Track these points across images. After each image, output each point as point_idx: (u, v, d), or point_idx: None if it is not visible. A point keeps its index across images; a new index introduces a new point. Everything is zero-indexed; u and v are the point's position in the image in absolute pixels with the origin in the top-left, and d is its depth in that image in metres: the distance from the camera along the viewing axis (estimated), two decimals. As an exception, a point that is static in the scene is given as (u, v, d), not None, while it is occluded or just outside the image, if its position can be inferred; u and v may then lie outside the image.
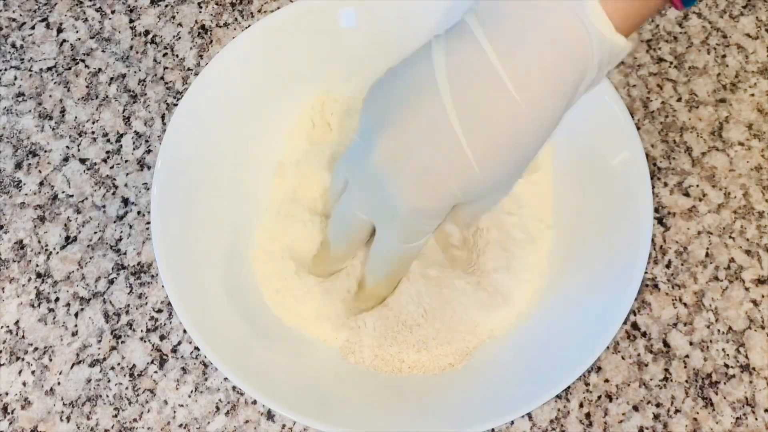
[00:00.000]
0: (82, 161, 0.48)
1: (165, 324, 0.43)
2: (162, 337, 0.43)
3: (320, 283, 0.42)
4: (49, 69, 0.51)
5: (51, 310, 0.44)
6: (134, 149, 0.48)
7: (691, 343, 0.42)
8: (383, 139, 0.33)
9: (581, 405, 0.41)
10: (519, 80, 0.31)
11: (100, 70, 0.51)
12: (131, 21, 0.52)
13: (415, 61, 0.33)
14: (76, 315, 0.44)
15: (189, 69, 0.50)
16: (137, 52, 0.51)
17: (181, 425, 0.41)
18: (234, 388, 0.42)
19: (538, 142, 0.33)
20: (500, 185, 0.35)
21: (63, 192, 0.47)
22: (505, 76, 0.31)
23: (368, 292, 0.41)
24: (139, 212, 0.46)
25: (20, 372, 0.43)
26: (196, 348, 0.43)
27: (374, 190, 0.35)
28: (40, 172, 0.48)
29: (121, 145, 0.48)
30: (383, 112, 0.34)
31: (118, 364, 0.43)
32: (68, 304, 0.44)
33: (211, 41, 0.51)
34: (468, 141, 0.32)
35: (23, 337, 0.43)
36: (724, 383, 0.41)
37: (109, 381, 0.42)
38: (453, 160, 0.32)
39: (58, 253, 0.45)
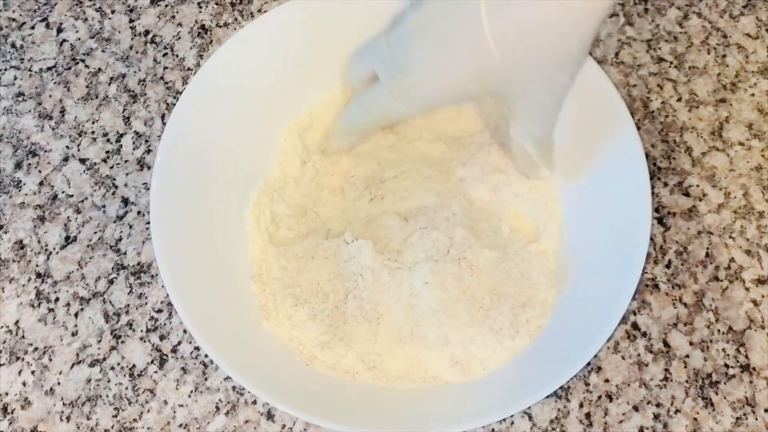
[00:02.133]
0: (82, 161, 0.48)
1: (165, 324, 0.43)
2: (162, 337, 0.43)
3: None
4: (49, 69, 0.51)
5: (51, 310, 0.44)
6: (134, 149, 0.48)
7: (691, 343, 0.42)
8: (414, 11, 0.36)
9: (581, 405, 0.41)
10: None
11: (100, 70, 0.51)
12: (131, 21, 0.52)
13: None
14: (76, 315, 0.44)
15: (189, 69, 0.50)
16: (137, 52, 0.51)
17: (181, 425, 0.41)
18: (234, 388, 0.42)
19: (572, 45, 0.34)
20: (537, 81, 0.36)
21: (63, 192, 0.47)
22: None
23: (335, 136, 0.44)
24: (139, 212, 0.46)
25: (20, 372, 0.43)
26: (196, 348, 0.43)
27: (398, 44, 0.37)
28: (40, 172, 0.48)
29: (121, 145, 0.48)
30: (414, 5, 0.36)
31: (118, 364, 0.43)
32: (68, 304, 0.44)
33: (211, 41, 0.51)
34: (491, 26, 0.33)
35: (23, 337, 0.43)
36: (724, 383, 0.41)
37: (109, 381, 0.42)
38: (473, 41, 0.34)
39: (58, 253, 0.45)
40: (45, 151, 0.48)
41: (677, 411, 0.41)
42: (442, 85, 0.36)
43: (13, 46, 0.52)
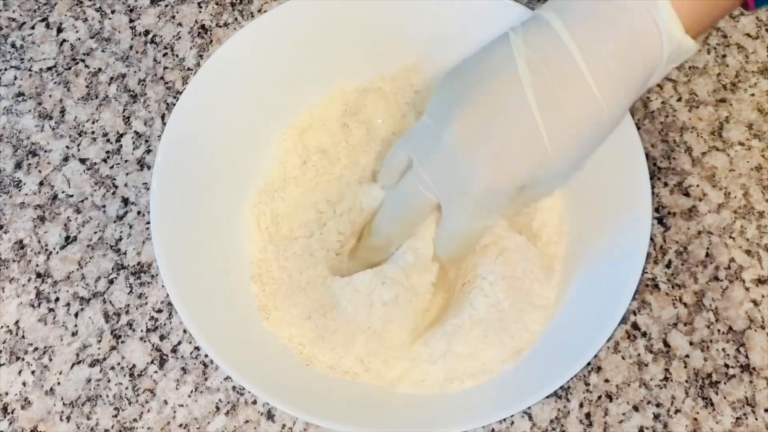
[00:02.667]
0: (82, 161, 0.48)
1: (165, 324, 0.43)
2: (162, 337, 0.43)
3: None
4: (49, 69, 0.51)
5: (51, 310, 0.44)
6: (134, 149, 0.48)
7: (691, 343, 0.42)
8: (462, 116, 0.34)
9: (581, 405, 0.41)
10: (598, 74, 0.32)
11: (100, 70, 0.51)
12: (131, 21, 0.52)
13: (493, 49, 0.35)
14: (76, 315, 0.44)
15: (189, 69, 0.50)
16: (137, 52, 0.51)
17: (181, 425, 0.41)
18: (234, 387, 0.42)
19: (606, 134, 0.34)
20: (566, 172, 0.36)
21: (63, 192, 0.47)
22: (585, 68, 0.32)
23: (442, 265, 0.41)
24: (139, 212, 0.46)
25: (20, 372, 0.43)
26: (196, 348, 0.43)
27: (447, 167, 0.36)
28: (40, 172, 0.48)
29: (121, 145, 0.48)
30: (460, 94, 0.35)
31: (118, 364, 0.43)
32: (68, 304, 0.44)
33: (211, 41, 0.51)
34: (545, 124, 0.33)
35: (23, 337, 0.43)
36: (724, 383, 0.41)
37: (109, 381, 0.42)
38: (529, 141, 0.33)
39: (58, 253, 0.45)
40: (45, 151, 0.48)
41: (677, 411, 0.41)
42: (507, 188, 0.35)
43: (13, 46, 0.52)
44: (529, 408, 0.41)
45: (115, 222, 0.46)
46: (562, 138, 0.33)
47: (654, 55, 0.32)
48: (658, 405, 0.41)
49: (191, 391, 0.42)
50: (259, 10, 0.52)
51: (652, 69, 0.33)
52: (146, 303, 0.44)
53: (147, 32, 0.52)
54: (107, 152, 0.48)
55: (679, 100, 0.49)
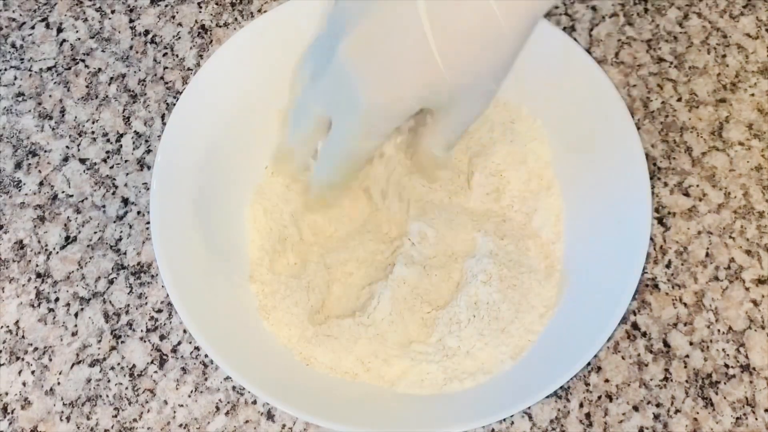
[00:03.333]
0: (82, 161, 0.48)
1: (165, 324, 0.43)
2: (162, 337, 0.43)
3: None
4: (49, 69, 0.51)
5: (51, 310, 0.44)
6: (134, 149, 0.48)
7: (691, 343, 0.42)
8: (355, 30, 0.33)
9: (581, 405, 0.41)
10: None
11: (100, 70, 0.51)
12: (131, 21, 0.52)
13: None
14: (76, 315, 0.44)
15: (189, 69, 0.50)
16: (137, 52, 0.51)
17: (181, 425, 0.41)
18: (234, 387, 0.42)
19: (510, 48, 0.32)
20: (471, 90, 0.34)
21: (63, 192, 0.47)
22: None
23: (314, 196, 0.41)
24: (139, 212, 0.46)
25: (20, 372, 0.43)
26: (196, 348, 0.43)
27: (337, 81, 0.35)
28: (40, 172, 0.48)
29: (121, 145, 0.48)
30: (356, 8, 0.34)
31: (118, 364, 0.43)
32: (68, 304, 0.44)
33: (211, 41, 0.51)
34: (436, 39, 0.31)
35: (23, 337, 0.43)
36: (724, 383, 0.41)
37: (109, 381, 0.42)
38: (419, 57, 0.32)
39: (58, 253, 0.45)
40: (45, 151, 0.48)
41: (677, 411, 0.41)
42: (394, 109, 0.34)
43: (13, 46, 0.52)
44: (529, 408, 0.41)
45: (115, 222, 0.46)
46: (453, 50, 0.32)
47: None
48: (658, 405, 0.41)
49: (191, 391, 0.42)
50: (259, 10, 0.52)
51: None
52: (146, 303, 0.44)
53: (147, 32, 0.52)
54: (107, 152, 0.48)
55: (679, 100, 0.49)
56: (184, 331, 0.43)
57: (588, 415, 0.41)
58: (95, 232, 0.46)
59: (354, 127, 0.35)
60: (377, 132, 0.36)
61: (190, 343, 0.43)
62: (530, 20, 0.32)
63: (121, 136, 0.49)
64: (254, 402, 0.41)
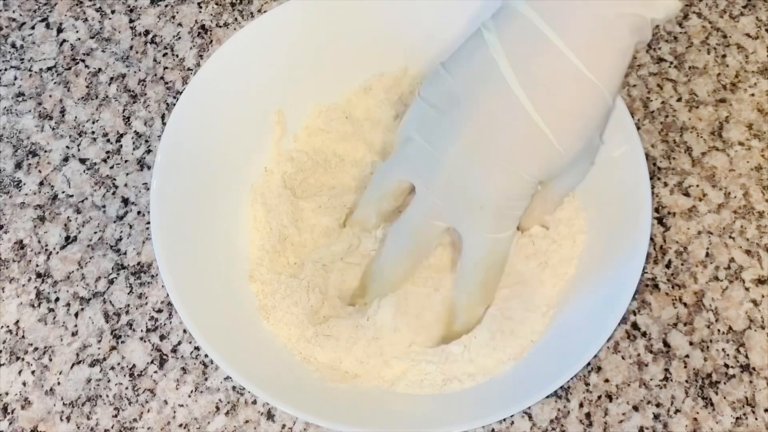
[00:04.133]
0: (82, 161, 0.48)
1: (165, 324, 0.43)
2: (162, 337, 0.43)
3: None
4: (49, 69, 0.51)
5: (51, 310, 0.44)
6: (134, 149, 0.48)
7: (691, 343, 0.42)
8: (460, 135, 0.34)
9: (581, 405, 0.41)
10: (581, 53, 0.31)
11: (100, 70, 0.51)
12: (131, 21, 0.52)
13: (471, 54, 0.34)
14: (76, 315, 0.44)
15: (189, 69, 0.50)
16: (137, 52, 0.51)
17: (181, 425, 0.41)
18: (234, 387, 0.42)
19: (607, 108, 0.33)
20: (579, 157, 0.35)
21: (63, 192, 0.47)
22: (567, 50, 0.31)
23: (466, 314, 0.40)
24: (139, 212, 0.46)
25: (20, 372, 0.43)
26: (196, 348, 0.43)
27: (456, 187, 0.35)
28: (40, 172, 0.48)
29: (121, 145, 0.48)
30: (449, 108, 0.34)
31: (118, 364, 0.43)
32: (68, 304, 0.44)
33: (211, 41, 0.51)
34: (544, 119, 0.32)
35: (23, 337, 0.43)
36: (724, 383, 0.41)
37: (109, 381, 0.42)
38: (533, 140, 0.33)
39: (58, 253, 0.45)
40: (45, 151, 0.48)
41: (677, 411, 0.41)
42: (520, 193, 0.35)
43: (13, 46, 0.52)
44: (529, 408, 0.41)
45: (115, 222, 0.46)
46: (563, 126, 0.33)
47: (637, 20, 0.31)
48: (658, 405, 0.41)
49: (191, 391, 0.42)
50: (259, 10, 0.52)
51: (639, 30, 0.32)
52: (146, 303, 0.44)
53: (147, 32, 0.52)
54: (107, 152, 0.48)
55: (679, 100, 0.49)
56: (184, 331, 0.43)
57: (588, 415, 0.41)
58: (95, 232, 0.46)
59: (488, 221, 0.36)
60: (510, 218, 0.36)
61: (190, 343, 0.43)
62: (621, 70, 0.32)
63: (121, 136, 0.49)
64: (254, 402, 0.41)
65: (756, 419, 0.41)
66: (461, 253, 0.38)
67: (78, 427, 0.41)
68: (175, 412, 0.41)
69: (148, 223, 0.43)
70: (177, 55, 0.51)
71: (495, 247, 0.37)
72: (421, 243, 0.39)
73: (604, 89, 0.32)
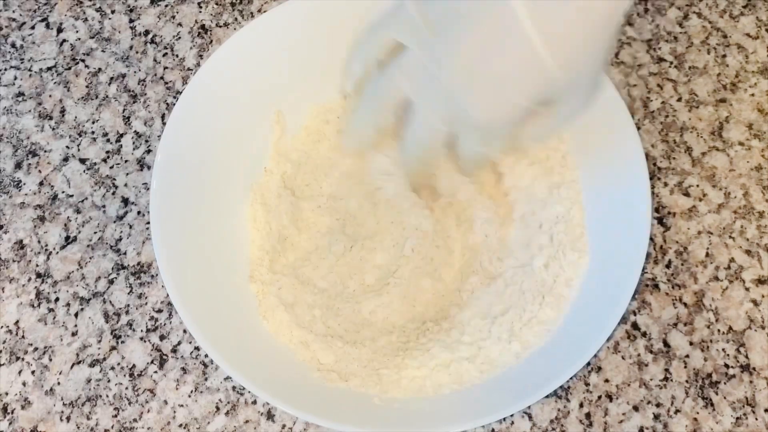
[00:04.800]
0: (82, 161, 0.48)
1: (165, 324, 0.43)
2: (162, 337, 0.43)
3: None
4: (49, 69, 0.51)
5: (51, 310, 0.44)
6: (134, 149, 0.48)
7: (691, 343, 0.42)
8: (457, 52, 0.33)
9: (581, 405, 0.41)
10: None
11: (100, 70, 0.51)
12: (131, 21, 0.52)
13: None
14: (76, 315, 0.44)
15: (189, 69, 0.50)
16: (137, 52, 0.51)
17: (181, 425, 0.41)
18: (234, 388, 0.42)
19: (610, 30, 0.32)
20: (578, 86, 0.34)
21: (63, 192, 0.47)
22: None
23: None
24: (139, 212, 0.46)
25: (20, 372, 0.43)
26: (196, 348, 0.43)
27: (451, 103, 0.35)
28: (40, 172, 0.48)
29: (121, 145, 0.48)
30: (446, 25, 0.34)
31: (118, 364, 0.43)
32: (68, 304, 0.44)
33: (211, 41, 0.51)
34: (541, 39, 0.31)
35: (23, 337, 0.43)
36: (724, 383, 0.41)
37: (109, 381, 0.42)
38: (528, 63, 0.32)
39: (58, 253, 0.45)
40: (45, 151, 0.48)
41: (677, 411, 0.41)
42: (510, 117, 0.35)
43: (13, 46, 0.52)
44: (529, 408, 0.41)
45: (115, 222, 0.46)
46: (560, 46, 0.32)
47: None
48: (658, 405, 0.41)
49: (191, 391, 0.42)
50: (259, 10, 0.52)
51: None
52: (146, 303, 0.44)
53: (147, 32, 0.52)
54: (107, 152, 0.48)
55: (679, 100, 0.49)
56: (184, 331, 0.43)
57: (588, 415, 0.41)
58: (95, 232, 0.46)
59: (477, 138, 0.38)
60: (498, 136, 0.37)
61: (190, 343, 0.43)
62: (617, 15, 0.31)
63: (121, 136, 0.49)
64: (254, 402, 0.41)
65: (756, 419, 0.41)
66: (459, 144, 0.39)
67: (78, 427, 0.41)
68: (175, 412, 0.41)
69: (148, 223, 0.43)
70: (177, 55, 0.51)
71: (483, 153, 0.40)
72: (427, 143, 0.40)
73: (604, 12, 0.31)
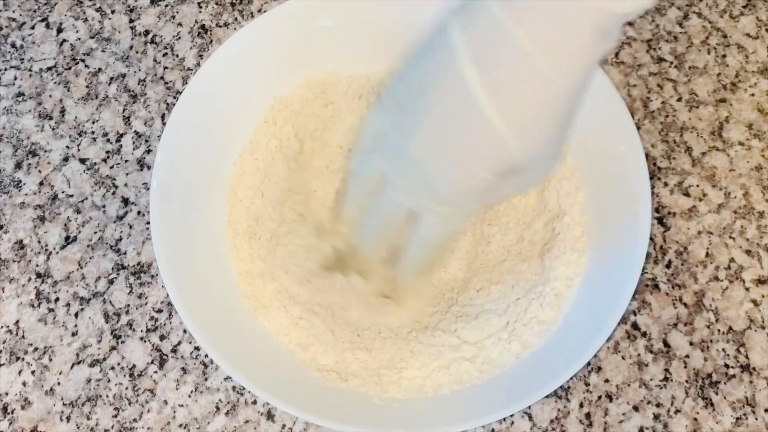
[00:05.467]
0: (82, 161, 0.48)
1: (165, 324, 0.43)
2: (162, 337, 0.43)
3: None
4: (49, 69, 0.51)
5: (51, 310, 0.44)
6: (134, 149, 0.48)
7: (691, 343, 0.42)
8: (420, 127, 0.34)
9: (581, 405, 0.41)
10: (540, 44, 0.30)
11: (100, 70, 0.51)
12: (131, 21, 0.52)
13: (435, 48, 0.34)
14: (76, 315, 0.44)
15: (189, 69, 0.50)
16: (137, 52, 0.51)
17: (181, 425, 0.41)
18: (234, 388, 0.42)
19: (571, 107, 0.33)
20: (539, 159, 0.34)
21: (63, 192, 0.47)
22: (526, 42, 0.30)
23: (405, 286, 0.42)
24: (139, 212, 0.46)
25: (20, 372, 0.43)
26: (196, 348, 0.43)
27: (416, 175, 0.36)
28: (40, 172, 0.48)
29: (121, 145, 0.48)
30: (415, 102, 0.34)
31: (118, 364, 0.43)
32: (68, 304, 0.44)
33: (211, 41, 0.51)
34: (502, 114, 0.32)
35: (23, 337, 0.43)
36: (724, 383, 0.41)
37: (109, 381, 0.42)
38: (485, 138, 0.32)
39: (58, 253, 0.45)
40: (45, 151, 0.48)
41: (677, 411, 0.41)
42: (474, 188, 0.35)
43: (13, 46, 0.52)
44: (529, 408, 0.41)
45: (115, 222, 0.46)
46: (522, 121, 0.32)
47: (603, 16, 0.30)
48: (658, 405, 0.41)
49: (191, 391, 0.42)
50: (259, 10, 0.52)
51: (604, 31, 0.31)
52: (146, 303, 0.44)
53: (147, 32, 0.52)
54: (107, 152, 0.48)
55: (679, 100, 0.49)
56: (184, 331, 0.43)
57: (588, 415, 0.41)
58: (95, 232, 0.46)
59: (442, 215, 0.37)
60: (463, 213, 0.38)
61: (190, 343, 0.43)
62: (581, 70, 0.32)
63: (121, 136, 0.49)
64: (254, 402, 0.41)
65: (756, 419, 0.41)
66: (416, 231, 0.39)
67: (78, 427, 0.41)
68: (175, 412, 0.41)
69: (148, 223, 0.43)
70: (177, 55, 0.51)
71: (445, 237, 0.40)
72: (390, 221, 0.40)
73: (565, 85, 0.31)
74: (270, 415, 0.41)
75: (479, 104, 0.32)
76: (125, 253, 0.45)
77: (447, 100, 0.33)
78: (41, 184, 0.47)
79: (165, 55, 0.51)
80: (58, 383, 0.42)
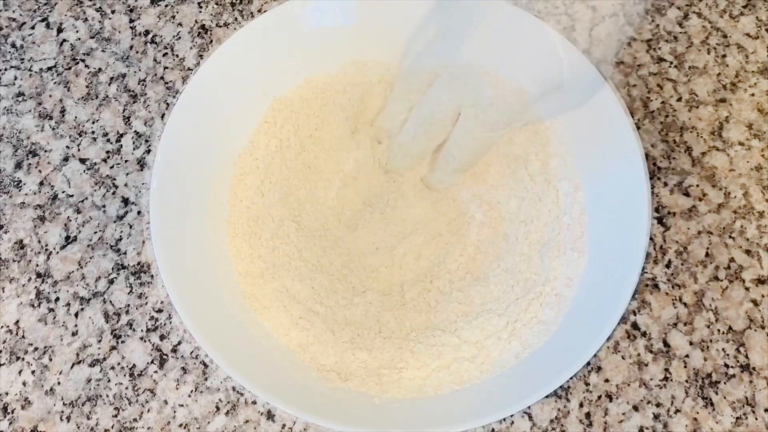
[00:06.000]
0: (82, 161, 0.48)
1: (165, 324, 0.43)
2: (162, 337, 0.43)
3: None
4: (49, 69, 0.51)
5: (51, 310, 0.44)
6: (134, 149, 0.48)
7: (691, 343, 0.42)
8: (466, 39, 0.38)
9: (581, 405, 0.41)
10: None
11: (100, 70, 0.51)
12: (131, 21, 0.52)
13: None
14: (76, 315, 0.44)
15: (189, 69, 0.50)
16: (137, 52, 0.51)
17: (181, 425, 0.41)
18: (234, 387, 0.42)
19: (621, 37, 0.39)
20: (582, 82, 0.39)
21: (63, 192, 0.47)
22: None
23: (448, 169, 0.44)
24: (139, 212, 0.46)
25: (20, 372, 0.43)
26: (197, 348, 0.43)
27: (463, 79, 0.39)
28: (40, 172, 0.48)
29: (121, 145, 0.48)
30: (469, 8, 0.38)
31: (118, 364, 0.43)
32: (68, 304, 0.44)
33: (211, 41, 0.51)
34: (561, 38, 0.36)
35: (23, 337, 0.43)
36: (724, 383, 0.41)
37: (109, 381, 0.42)
38: (546, 55, 0.38)
39: (58, 253, 0.45)
40: (45, 151, 0.48)
41: (677, 411, 0.41)
42: (514, 105, 0.39)
43: (13, 46, 0.52)
44: (529, 408, 0.41)
45: (115, 222, 0.46)
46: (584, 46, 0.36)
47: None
48: (658, 405, 0.41)
49: (191, 391, 0.42)
50: (259, 10, 0.52)
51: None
52: (146, 303, 0.44)
53: (147, 32, 0.52)
54: (107, 152, 0.48)
55: (679, 100, 0.49)
56: (184, 331, 0.43)
57: (588, 415, 0.41)
58: (95, 232, 0.46)
59: (483, 119, 0.39)
60: (499, 123, 0.40)
61: (190, 343, 0.43)
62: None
63: (121, 136, 0.49)
64: (254, 402, 0.41)
65: (756, 419, 0.41)
66: (454, 133, 0.41)
67: (78, 427, 0.41)
68: (175, 412, 0.41)
69: (148, 223, 0.43)
70: (177, 55, 0.51)
71: (481, 141, 0.41)
72: (435, 121, 0.41)
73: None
74: (270, 415, 0.41)
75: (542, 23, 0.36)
76: (125, 253, 0.45)
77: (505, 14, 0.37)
78: (41, 184, 0.47)
79: (165, 55, 0.51)
80: (58, 383, 0.42)
